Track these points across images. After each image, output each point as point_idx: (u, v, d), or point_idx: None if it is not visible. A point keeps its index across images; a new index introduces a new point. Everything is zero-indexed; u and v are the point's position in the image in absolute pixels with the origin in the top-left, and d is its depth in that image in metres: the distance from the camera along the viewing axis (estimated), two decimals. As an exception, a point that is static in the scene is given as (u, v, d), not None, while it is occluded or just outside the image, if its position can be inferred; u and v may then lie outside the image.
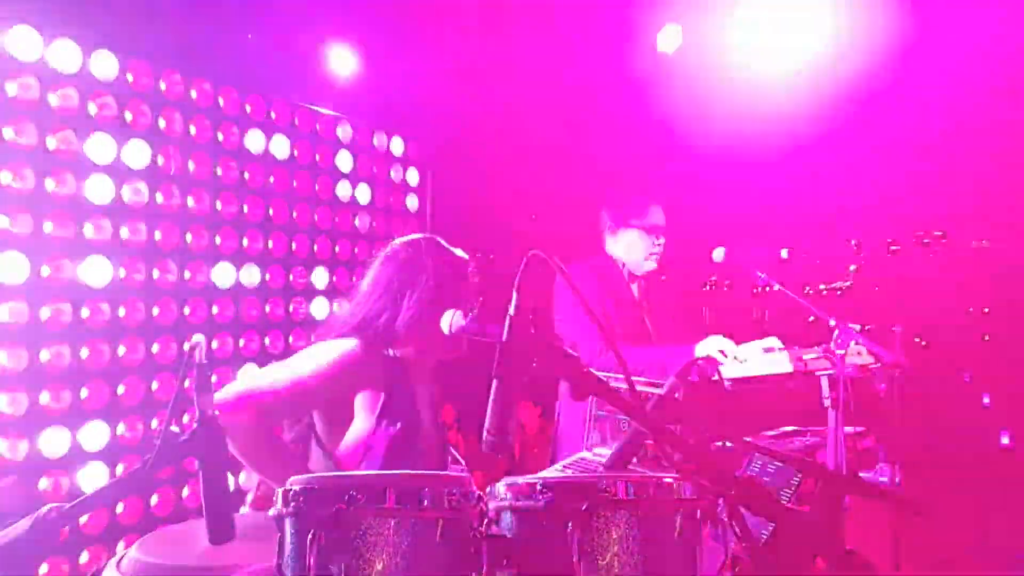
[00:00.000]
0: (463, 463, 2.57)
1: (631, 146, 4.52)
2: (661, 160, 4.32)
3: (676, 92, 4.54)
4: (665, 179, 3.79)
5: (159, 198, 3.57)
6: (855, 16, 4.19)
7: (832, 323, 2.78)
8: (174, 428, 1.49)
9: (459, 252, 2.48)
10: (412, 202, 5.04)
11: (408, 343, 2.34)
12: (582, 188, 4.47)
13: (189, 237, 3.70)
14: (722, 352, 3.12)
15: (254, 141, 4.03)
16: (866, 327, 2.88)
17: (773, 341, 3.01)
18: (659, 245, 3.53)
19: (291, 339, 4.18)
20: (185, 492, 3.61)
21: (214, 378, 3.91)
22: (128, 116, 3.45)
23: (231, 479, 3.30)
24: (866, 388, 2.91)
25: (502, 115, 4.62)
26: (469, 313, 2.06)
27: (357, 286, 2.46)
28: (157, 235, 3.55)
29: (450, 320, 2.09)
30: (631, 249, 3.55)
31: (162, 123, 3.60)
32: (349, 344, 2.27)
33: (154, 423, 3.49)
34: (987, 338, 4.13)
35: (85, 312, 3.28)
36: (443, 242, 2.49)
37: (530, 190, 4.74)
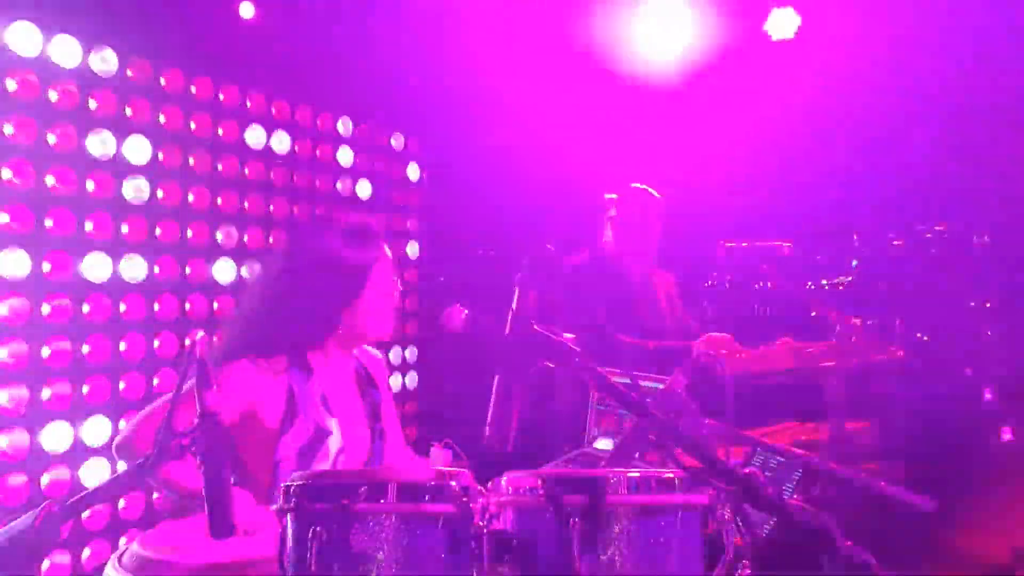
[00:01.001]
0: (464, 458, 2.57)
1: (630, 143, 4.51)
2: (660, 156, 4.32)
3: (675, 87, 4.54)
4: (664, 176, 3.78)
5: (160, 194, 3.57)
6: (856, 7, 4.18)
7: (834, 318, 2.78)
8: (174, 423, 1.48)
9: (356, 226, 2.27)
10: (411, 197, 5.03)
11: (330, 343, 2.23)
12: (582, 184, 4.47)
13: (190, 233, 3.70)
14: (723, 348, 3.12)
15: (254, 136, 4.03)
16: (868, 322, 2.88)
17: (786, 340, 3.01)
18: (634, 241, 3.50)
19: (220, 345, 4.16)
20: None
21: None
22: (128, 111, 3.45)
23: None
24: (867, 383, 2.91)
25: (503, 110, 4.62)
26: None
27: (248, 293, 2.35)
28: (157, 231, 3.55)
29: (451, 315, 2.07)
30: (612, 245, 3.55)
31: (162, 119, 3.60)
32: (243, 368, 2.13)
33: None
34: (989, 333, 4.13)
35: (86, 308, 3.28)
36: (345, 221, 2.29)
37: (531, 186, 4.74)
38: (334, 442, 2.19)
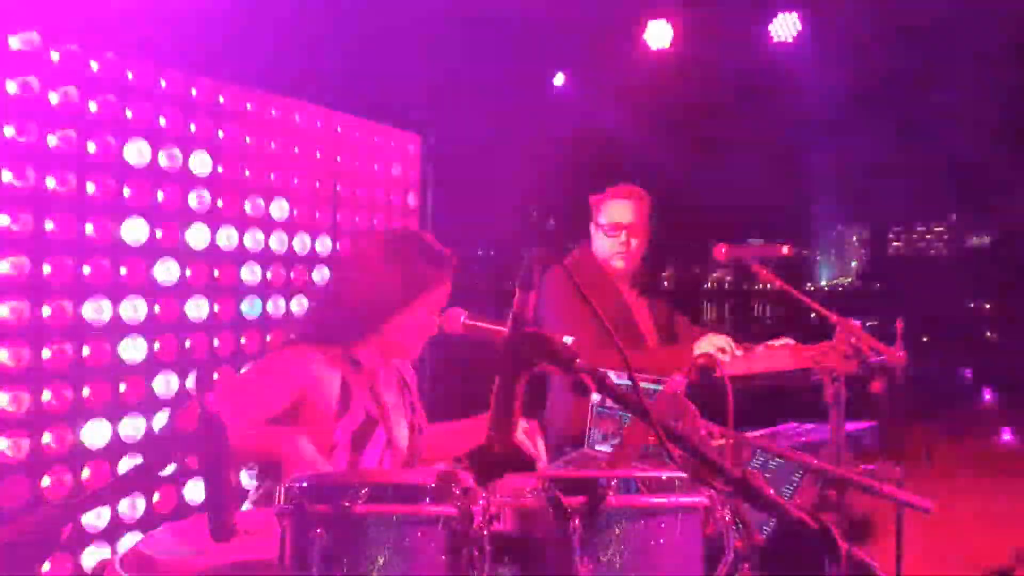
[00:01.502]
0: (464, 460, 2.57)
1: (632, 143, 4.52)
2: (660, 157, 4.32)
3: (675, 89, 4.54)
4: (665, 177, 3.78)
5: (159, 196, 3.57)
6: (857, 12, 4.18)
7: (833, 319, 2.78)
8: (175, 425, 1.49)
9: (438, 248, 2.39)
10: (411, 199, 5.04)
11: (370, 344, 2.34)
12: (583, 185, 4.47)
13: (189, 235, 3.70)
14: (721, 350, 3.12)
15: (254, 138, 4.03)
16: (867, 323, 2.88)
17: (786, 341, 3.01)
18: (622, 243, 3.45)
19: (292, 336, 4.18)
20: (187, 489, 3.61)
21: (215, 376, 3.93)
22: (128, 113, 3.45)
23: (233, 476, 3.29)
24: (867, 385, 2.91)
25: (504, 112, 4.62)
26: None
27: (319, 286, 2.47)
28: (158, 233, 3.56)
29: (450, 317, 2.09)
30: (600, 248, 3.51)
31: (162, 121, 3.60)
32: (301, 352, 2.26)
33: (156, 421, 3.49)
34: (989, 334, 4.13)
35: (86, 310, 3.28)
36: (425, 237, 2.41)
37: (531, 188, 4.74)
38: (382, 433, 2.29)
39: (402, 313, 2.30)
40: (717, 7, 4.49)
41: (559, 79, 4.85)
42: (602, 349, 1.36)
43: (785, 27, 4.70)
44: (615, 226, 3.45)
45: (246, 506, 2.33)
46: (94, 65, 3.33)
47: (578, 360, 1.46)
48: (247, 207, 3.98)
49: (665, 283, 3.56)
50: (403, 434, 2.39)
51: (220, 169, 3.85)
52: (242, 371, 2.31)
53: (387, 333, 2.33)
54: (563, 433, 3.32)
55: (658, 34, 4.63)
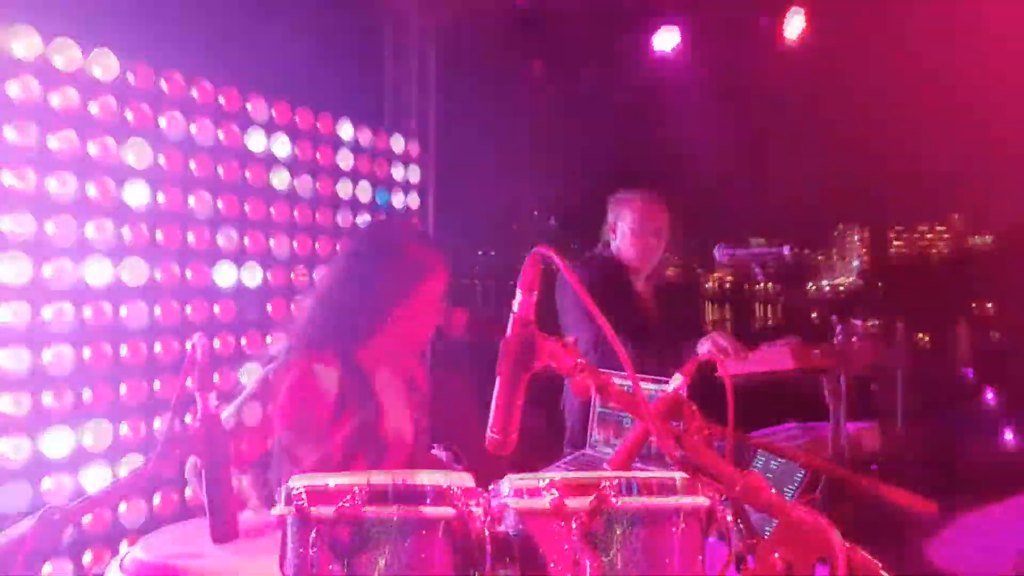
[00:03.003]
0: (465, 461, 2.57)
1: (633, 146, 4.52)
2: (662, 159, 4.32)
3: (677, 91, 4.54)
4: (666, 178, 3.79)
5: (160, 198, 3.57)
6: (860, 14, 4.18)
7: (834, 319, 2.78)
8: (176, 427, 1.49)
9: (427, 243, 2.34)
10: (413, 200, 5.03)
11: (374, 345, 2.27)
12: (584, 187, 4.48)
13: (191, 237, 3.70)
14: (723, 349, 3.12)
15: (255, 140, 4.02)
16: (869, 324, 2.87)
17: (788, 340, 3.00)
18: (641, 245, 3.50)
19: (285, 345, 4.18)
20: (188, 492, 3.61)
21: (216, 378, 3.94)
22: (129, 116, 3.45)
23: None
24: (868, 385, 2.91)
25: (504, 112, 4.62)
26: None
27: (312, 288, 2.38)
28: (159, 235, 3.55)
29: (452, 318, 2.08)
30: (618, 249, 3.55)
31: (163, 123, 3.59)
32: (302, 365, 2.18)
33: (156, 423, 3.49)
34: (991, 335, 4.13)
35: (87, 312, 3.28)
36: (414, 225, 2.39)
37: (532, 188, 4.74)
38: (380, 434, 2.24)
39: (401, 306, 2.24)
40: (723, 11, 4.49)
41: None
42: (607, 348, 1.35)
43: (791, 28, 4.69)
44: (633, 229, 3.50)
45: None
46: (93, 66, 3.32)
47: (578, 361, 1.46)
48: (247, 208, 3.98)
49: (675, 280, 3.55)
50: (407, 430, 2.34)
51: (220, 171, 3.84)
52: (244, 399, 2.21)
53: (389, 330, 2.26)
54: (568, 434, 3.34)
55: (664, 38, 4.64)
